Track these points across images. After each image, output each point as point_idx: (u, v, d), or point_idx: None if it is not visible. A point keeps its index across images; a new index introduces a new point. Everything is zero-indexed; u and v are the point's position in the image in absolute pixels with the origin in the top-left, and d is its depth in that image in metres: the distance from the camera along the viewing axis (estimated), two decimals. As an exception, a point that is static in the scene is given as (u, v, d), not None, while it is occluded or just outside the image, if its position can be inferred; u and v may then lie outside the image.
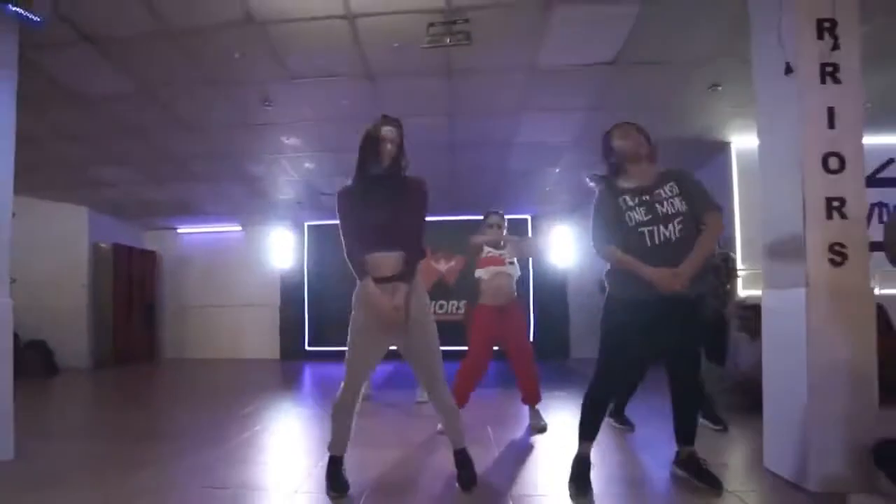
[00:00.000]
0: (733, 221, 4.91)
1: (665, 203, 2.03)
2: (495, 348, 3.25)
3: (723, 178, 5.03)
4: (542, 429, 3.16)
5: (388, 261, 2.01)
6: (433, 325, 2.10)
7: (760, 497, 2.08)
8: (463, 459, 2.18)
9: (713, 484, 2.09)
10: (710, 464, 2.22)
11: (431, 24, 3.01)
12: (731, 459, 2.59)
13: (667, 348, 2.18)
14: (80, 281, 6.62)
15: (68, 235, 6.63)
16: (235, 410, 3.82)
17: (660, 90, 3.95)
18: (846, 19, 2.09)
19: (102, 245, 6.86)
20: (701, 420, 3.10)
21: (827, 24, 2.10)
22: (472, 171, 5.68)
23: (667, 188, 2.06)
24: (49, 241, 6.49)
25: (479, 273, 3.30)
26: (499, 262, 3.24)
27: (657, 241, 2.00)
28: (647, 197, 2.05)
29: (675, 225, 2.00)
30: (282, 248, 7.45)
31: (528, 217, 7.58)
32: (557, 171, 5.69)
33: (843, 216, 2.09)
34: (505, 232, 3.33)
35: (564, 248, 7.22)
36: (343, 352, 2.08)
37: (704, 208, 2.07)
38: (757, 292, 4.64)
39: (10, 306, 2.73)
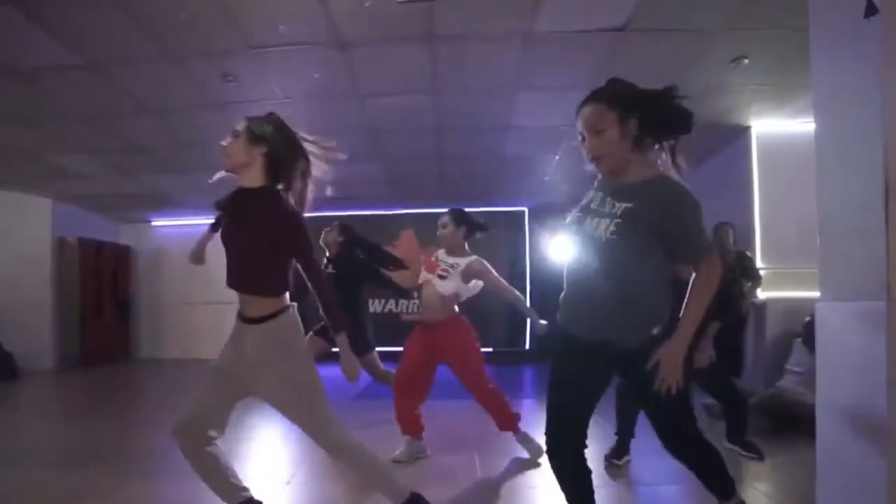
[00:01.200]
0: (753, 215, 4.43)
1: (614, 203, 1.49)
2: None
3: (741, 165, 4.55)
4: (538, 451, 2.68)
5: None
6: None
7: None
8: None
9: None
10: None
11: (405, -25, 2.53)
12: (777, 497, 2.13)
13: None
14: (42, 277, 6.16)
15: (29, 228, 6.17)
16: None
17: (675, 64, 3.45)
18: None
19: (68, 239, 6.40)
20: (727, 444, 2.76)
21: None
22: (463, 158, 5.20)
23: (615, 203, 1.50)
24: (7, 234, 6.03)
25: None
26: (432, 267, 2.76)
27: (582, 234, 1.52)
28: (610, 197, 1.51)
29: (610, 225, 1.45)
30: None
31: (525, 209, 7.11)
32: (557, 158, 5.20)
33: (930, 208, 1.61)
34: (462, 233, 2.79)
35: (563, 242, 6.75)
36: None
37: (694, 251, 1.46)
38: (779, 294, 4.24)
39: None
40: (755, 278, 4.17)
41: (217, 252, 6.08)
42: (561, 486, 1.58)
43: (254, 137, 1.66)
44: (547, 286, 7.10)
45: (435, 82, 3.68)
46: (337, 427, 1.70)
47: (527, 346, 6.87)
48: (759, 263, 4.32)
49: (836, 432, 1.83)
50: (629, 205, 1.46)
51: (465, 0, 2.62)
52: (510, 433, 2.78)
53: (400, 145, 4.86)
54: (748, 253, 4.27)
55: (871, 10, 1.62)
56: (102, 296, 6.76)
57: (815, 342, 1.96)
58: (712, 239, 4.34)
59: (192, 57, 3.31)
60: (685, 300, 1.49)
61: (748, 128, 4.43)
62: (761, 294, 4.25)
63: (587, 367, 1.54)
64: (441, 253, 2.83)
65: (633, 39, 3.14)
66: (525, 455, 2.72)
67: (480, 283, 2.79)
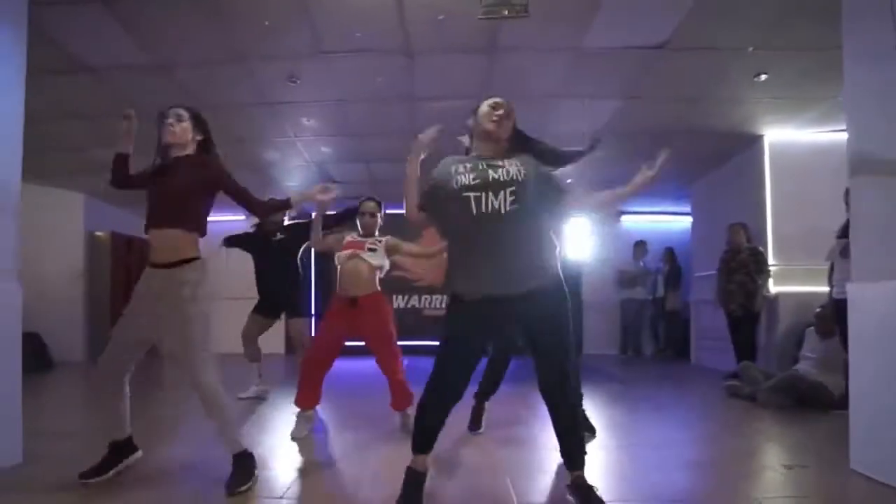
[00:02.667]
0: (765, 216, 4.81)
1: (500, 170, 1.73)
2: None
3: (754, 171, 4.93)
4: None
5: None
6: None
7: (859, 500, 1.96)
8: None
9: None
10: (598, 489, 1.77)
11: (485, -5, 2.82)
12: (812, 461, 2.44)
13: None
14: (76, 270, 6.26)
15: (63, 223, 6.26)
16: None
17: (702, 78, 3.82)
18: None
19: (99, 233, 6.51)
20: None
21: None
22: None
23: (511, 160, 1.78)
24: (42, 229, 6.09)
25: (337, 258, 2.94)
26: (357, 245, 2.88)
27: (483, 210, 1.69)
28: (483, 164, 1.76)
29: (507, 195, 1.69)
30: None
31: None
32: (581, 162, 5.52)
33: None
34: (380, 222, 2.99)
35: (580, 241, 7.09)
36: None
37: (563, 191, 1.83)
38: (789, 288, 4.61)
39: (19, 293, 2.45)
40: (766, 273, 4.53)
41: (237, 251, 6.13)
42: (430, 424, 1.80)
43: (198, 124, 2.18)
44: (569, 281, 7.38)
45: (483, 90, 3.95)
46: (214, 370, 2.01)
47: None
48: (770, 260, 4.69)
49: (868, 400, 2.16)
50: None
51: (531, 17, 2.91)
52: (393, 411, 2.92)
53: (440, 147, 5.11)
54: (760, 248, 4.64)
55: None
56: (130, 290, 6.83)
57: (848, 317, 2.30)
58: (727, 237, 4.71)
59: (261, 58, 3.54)
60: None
61: (761, 136, 4.82)
62: (773, 289, 4.62)
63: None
64: (354, 237, 2.96)
65: (669, 56, 3.47)
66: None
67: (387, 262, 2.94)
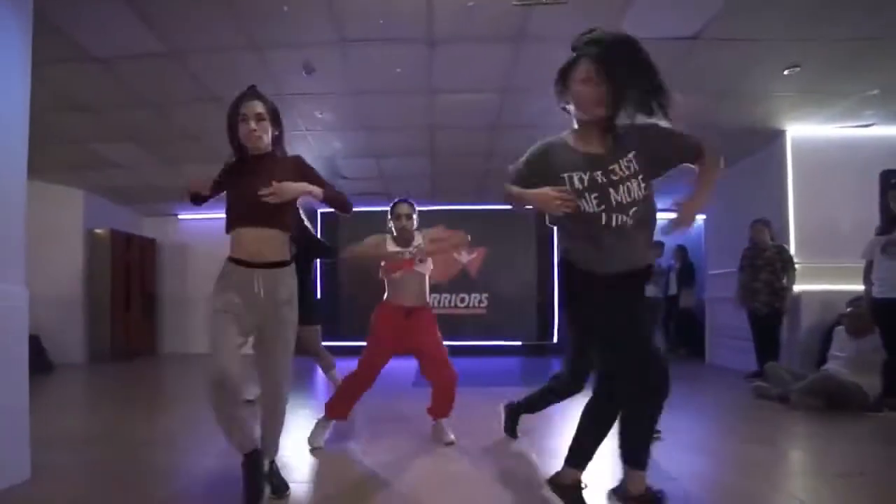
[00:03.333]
0: (787, 213, 4.72)
1: (620, 186, 1.60)
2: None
3: (777, 167, 4.83)
4: (450, 443, 2.70)
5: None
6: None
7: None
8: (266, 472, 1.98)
9: None
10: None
11: (522, -19, 2.68)
12: (864, 467, 2.33)
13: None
14: (75, 270, 6.07)
15: (62, 220, 6.06)
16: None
17: (730, 71, 3.71)
18: None
19: (99, 231, 6.30)
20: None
21: None
22: (508, 154, 5.35)
23: (623, 163, 1.62)
24: (41, 226, 5.89)
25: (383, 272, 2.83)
26: (407, 265, 2.75)
27: (613, 225, 1.60)
28: (600, 175, 1.61)
29: (632, 214, 1.61)
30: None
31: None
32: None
33: None
34: (415, 224, 2.81)
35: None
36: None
37: (692, 152, 1.68)
38: (813, 287, 4.53)
39: (25, 297, 2.29)
40: (793, 271, 4.44)
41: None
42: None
43: (275, 120, 2.03)
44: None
45: (508, 81, 3.83)
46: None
47: (554, 339, 7.06)
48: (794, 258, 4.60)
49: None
50: (633, 153, 1.64)
51: (565, 6, 2.78)
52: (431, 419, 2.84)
53: (452, 141, 5.00)
54: (785, 246, 4.54)
55: None
56: (131, 289, 6.68)
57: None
58: (749, 234, 4.61)
59: (277, 47, 3.38)
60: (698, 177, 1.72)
61: (783, 131, 4.72)
62: (796, 287, 4.53)
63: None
64: (392, 244, 2.80)
65: (700, 48, 3.36)
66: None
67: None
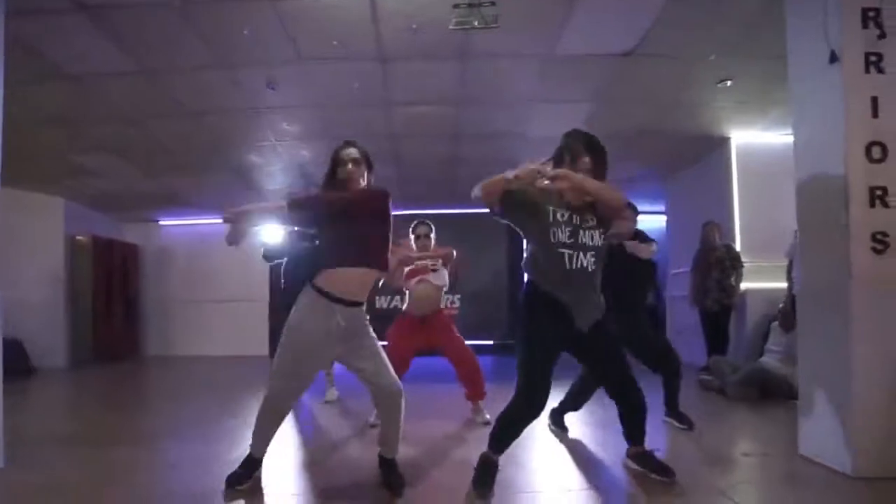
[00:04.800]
0: (733, 215, 4.99)
1: (587, 232, 1.99)
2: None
3: (722, 172, 5.10)
4: (486, 422, 3.06)
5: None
6: None
7: (806, 483, 2.12)
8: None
9: (667, 475, 2.08)
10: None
11: (456, 6, 2.91)
12: (768, 448, 2.60)
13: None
14: (57, 275, 6.23)
15: (43, 227, 6.22)
16: (226, 418, 3.49)
17: (668, 84, 3.96)
18: (892, 8, 2.10)
19: (80, 238, 6.48)
20: (665, 418, 3.07)
21: (872, 14, 2.10)
22: (475, 162, 5.59)
23: (589, 218, 2.02)
24: (22, 233, 6.07)
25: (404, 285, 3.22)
26: (421, 271, 3.19)
27: (575, 266, 1.96)
28: (577, 219, 2.00)
29: (590, 257, 1.99)
30: (271, 241, 7.16)
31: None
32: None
33: (885, 205, 2.11)
34: (433, 243, 3.28)
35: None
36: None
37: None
38: (757, 285, 4.79)
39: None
40: (740, 269, 4.70)
41: (220, 251, 6.14)
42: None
43: (367, 161, 2.19)
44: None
45: (461, 94, 4.07)
46: None
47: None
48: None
49: (815, 390, 2.32)
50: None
51: (503, 26, 3.01)
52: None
53: (417, 150, 5.22)
54: (732, 245, 4.80)
55: (833, 58, 2.13)
56: (113, 294, 6.85)
57: (798, 313, 2.46)
58: (701, 236, 4.86)
59: (242, 66, 3.60)
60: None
61: (728, 138, 4.99)
62: (742, 284, 4.79)
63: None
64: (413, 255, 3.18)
65: (635, 61, 3.59)
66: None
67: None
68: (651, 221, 7.59)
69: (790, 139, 2.55)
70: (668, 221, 6.68)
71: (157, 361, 6.94)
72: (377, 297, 7.04)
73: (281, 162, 5.46)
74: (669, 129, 4.75)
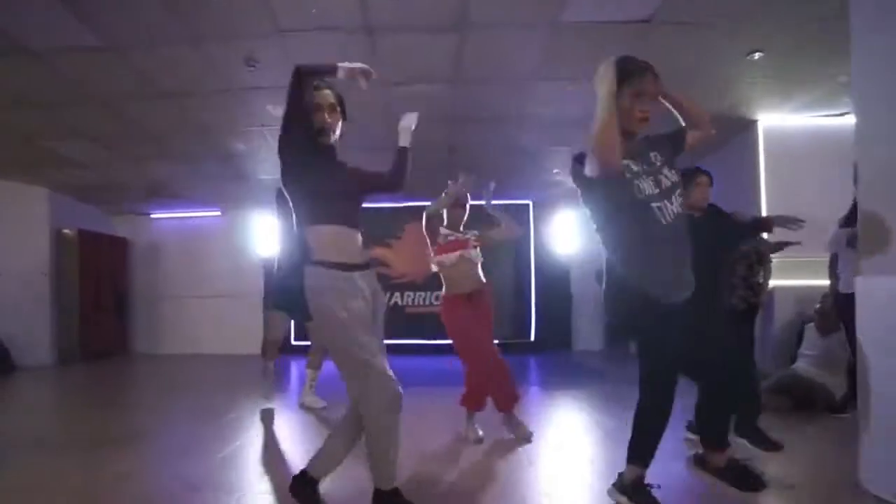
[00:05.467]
0: (760, 205, 4.55)
1: (663, 174, 1.77)
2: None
3: (748, 158, 4.67)
4: (527, 437, 2.75)
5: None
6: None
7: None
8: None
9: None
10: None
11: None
12: (817, 477, 2.20)
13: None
14: (42, 270, 5.98)
15: (27, 220, 5.97)
16: (215, 418, 3.38)
17: (693, 57, 3.54)
18: None
19: (67, 231, 6.22)
20: (737, 438, 2.58)
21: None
22: (474, 148, 5.21)
23: (652, 155, 1.80)
24: (4, 226, 5.84)
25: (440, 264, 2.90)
26: (462, 244, 2.93)
27: (669, 220, 1.72)
28: (647, 165, 1.77)
29: (677, 198, 1.77)
30: (265, 235, 6.87)
31: (530, 203, 7.17)
32: (568, 151, 5.27)
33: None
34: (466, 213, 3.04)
35: (567, 235, 6.87)
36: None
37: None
38: (787, 282, 4.36)
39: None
40: (769, 264, 4.27)
41: (213, 245, 5.95)
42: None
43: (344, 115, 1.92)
44: (550, 277, 7.19)
45: (458, 71, 3.69)
46: None
47: (531, 338, 6.94)
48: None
49: (881, 409, 1.91)
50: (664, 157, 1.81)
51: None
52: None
53: (413, 135, 4.84)
54: (761, 237, 4.37)
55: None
56: (101, 289, 6.60)
57: (856, 314, 2.05)
58: None
59: (216, 40, 3.26)
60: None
61: (755, 121, 4.55)
62: (770, 282, 4.36)
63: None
64: (444, 230, 2.96)
65: (656, 32, 3.19)
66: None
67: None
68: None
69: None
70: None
71: (145, 360, 6.69)
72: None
73: (270, 149, 5.12)
74: (691, 111, 4.32)
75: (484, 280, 2.95)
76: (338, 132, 1.86)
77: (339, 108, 1.87)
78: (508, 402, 2.79)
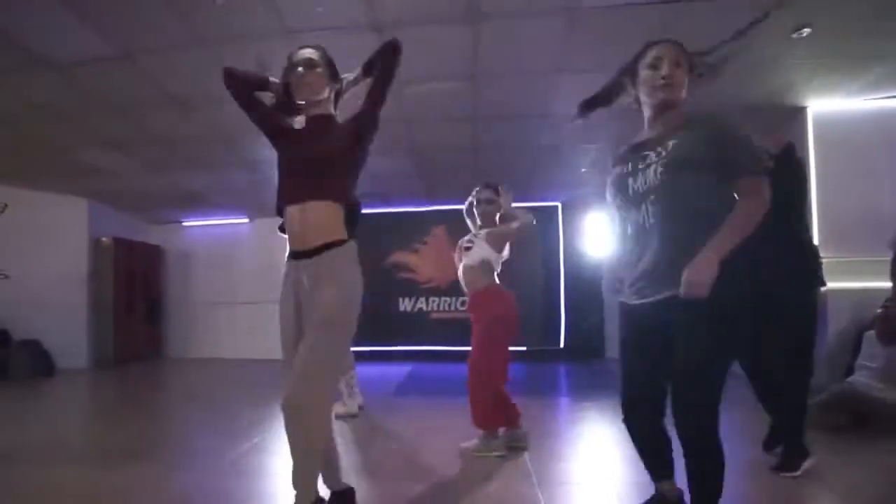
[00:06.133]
0: (810, 201, 4.14)
1: (639, 175, 1.53)
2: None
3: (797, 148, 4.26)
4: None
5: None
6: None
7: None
8: None
9: None
10: None
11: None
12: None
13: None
14: (80, 276, 6.23)
15: (67, 228, 6.25)
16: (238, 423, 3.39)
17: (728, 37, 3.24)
18: None
19: (103, 239, 6.46)
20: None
21: None
22: (498, 148, 5.03)
23: (670, 144, 1.50)
24: (46, 235, 6.13)
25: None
26: (458, 251, 2.94)
27: (628, 231, 1.59)
28: (640, 163, 1.56)
29: (648, 206, 1.50)
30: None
31: (558, 204, 6.89)
32: (595, 148, 5.00)
33: None
34: (500, 206, 2.91)
35: (599, 237, 6.55)
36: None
37: (739, 171, 1.45)
38: (841, 285, 3.93)
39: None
40: (819, 265, 3.88)
41: (248, 253, 6.02)
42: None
43: (332, 70, 1.77)
44: (580, 281, 6.88)
45: (475, 66, 3.53)
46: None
47: (561, 345, 6.65)
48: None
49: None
50: (676, 141, 1.51)
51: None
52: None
53: (433, 136, 4.73)
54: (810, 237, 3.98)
55: None
56: (135, 295, 6.80)
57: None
58: None
59: (226, 43, 3.25)
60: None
61: (804, 108, 4.16)
62: (821, 285, 3.96)
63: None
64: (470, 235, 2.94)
65: (686, 11, 2.93)
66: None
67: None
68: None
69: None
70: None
71: (178, 364, 6.84)
72: (400, 299, 6.62)
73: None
74: (731, 99, 3.95)
75: (480, 287, 2.79)
76: (320, 92, 1.74)
77: (319, 68, 1.72)
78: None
